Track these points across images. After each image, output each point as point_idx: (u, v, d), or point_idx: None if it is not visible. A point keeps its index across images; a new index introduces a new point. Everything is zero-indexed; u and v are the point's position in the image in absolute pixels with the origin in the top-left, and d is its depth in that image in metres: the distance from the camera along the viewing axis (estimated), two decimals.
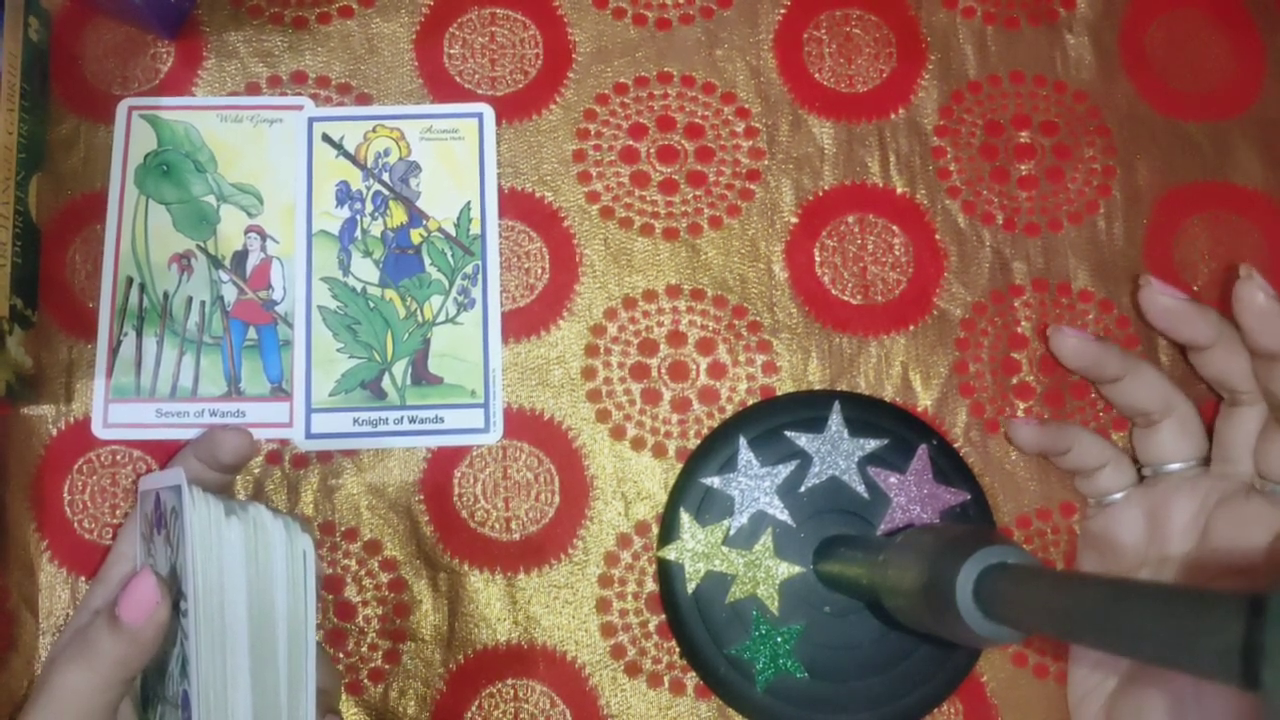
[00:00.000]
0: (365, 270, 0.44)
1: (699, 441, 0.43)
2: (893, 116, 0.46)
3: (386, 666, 0.41)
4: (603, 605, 0.42)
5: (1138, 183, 0.46)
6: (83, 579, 0.41)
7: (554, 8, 0.47)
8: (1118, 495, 0.41)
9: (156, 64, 0.45)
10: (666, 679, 0.41)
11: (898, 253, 0.45)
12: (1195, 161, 0.46)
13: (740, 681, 0.40)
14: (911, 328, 0.44)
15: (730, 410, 0.43)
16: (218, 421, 0.42)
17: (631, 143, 0.45)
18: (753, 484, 0.41)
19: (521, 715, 0.41)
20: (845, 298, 0.45)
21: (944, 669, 0.40)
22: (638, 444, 0.43)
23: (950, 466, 0.42)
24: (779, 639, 0.40)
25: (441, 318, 0.43)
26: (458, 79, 0.46)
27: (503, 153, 0.45)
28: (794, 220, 0.45)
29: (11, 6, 0.42)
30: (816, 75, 0.47)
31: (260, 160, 0.44)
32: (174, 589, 0.33)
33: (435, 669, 0.41)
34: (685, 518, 0.41)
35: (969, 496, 0.42)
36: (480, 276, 0.44)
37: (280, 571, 0.33)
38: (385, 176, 0.45)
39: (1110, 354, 0.41)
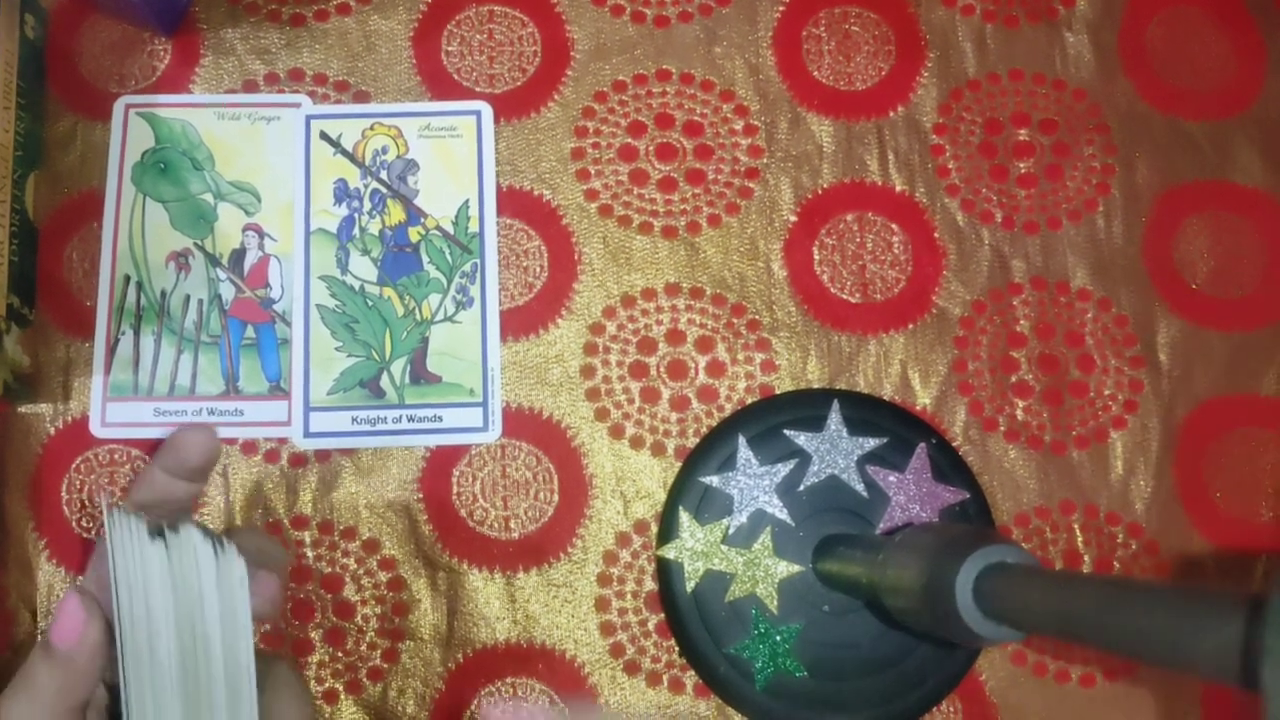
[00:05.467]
0: (363, 268, 0.43)
1: (698, 440, 0.43)
2: (892, 114, 0.46)
3: (385, 665, 0.41)
4: (601, 604, 0.42)
5: (1137, 181, 0.46)
6: (80, 577, 0.41)
7: (552, 5, 0.47)
8: None
9: (153, 61, 0.45)
10: (665, 678, 0.41)
11: (896, 251, 0.45)
12: (1195, 160, 0.46)
13: (739, 680, 0.40)
14: (910, 326, 0.44)
15: (729, 409, 0.43)
16: (216, 420, 0.42)
17: (630, 140, 0.45)
18: (752, 483, 0.41)
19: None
20: (844, 296, 0.44)
21: (943, 668, 0.40)
22: (636, 442, 0.43)
23: (949, 465, 0.42)
24: (778, 638, 0.40)
25: (440, 316, 0.43)
26: (456, 76, 0.46)
27: (501, 150, 0.45)
28: (793, 218, 0.45)
29: (8, 4, 0.42)
30: (815, 73, 0.46)
31: (258, 158, 0.44)
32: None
33: (434, 668, 0.41)
34: (684, 516, 0.41)
35: (968, 495, 0.42)
36: (479, 275, 0.44)
37: (212, 601, 0.30)
38: (383, 174, 0.44)
39: None
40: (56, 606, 0.31)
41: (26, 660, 0.31)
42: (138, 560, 0.29)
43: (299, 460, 0.42)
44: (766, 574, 0.40)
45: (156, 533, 0.30)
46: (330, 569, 0.41)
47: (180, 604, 0.30)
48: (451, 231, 0.44)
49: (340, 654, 0.41)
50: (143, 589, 0.29)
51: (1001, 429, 0.43)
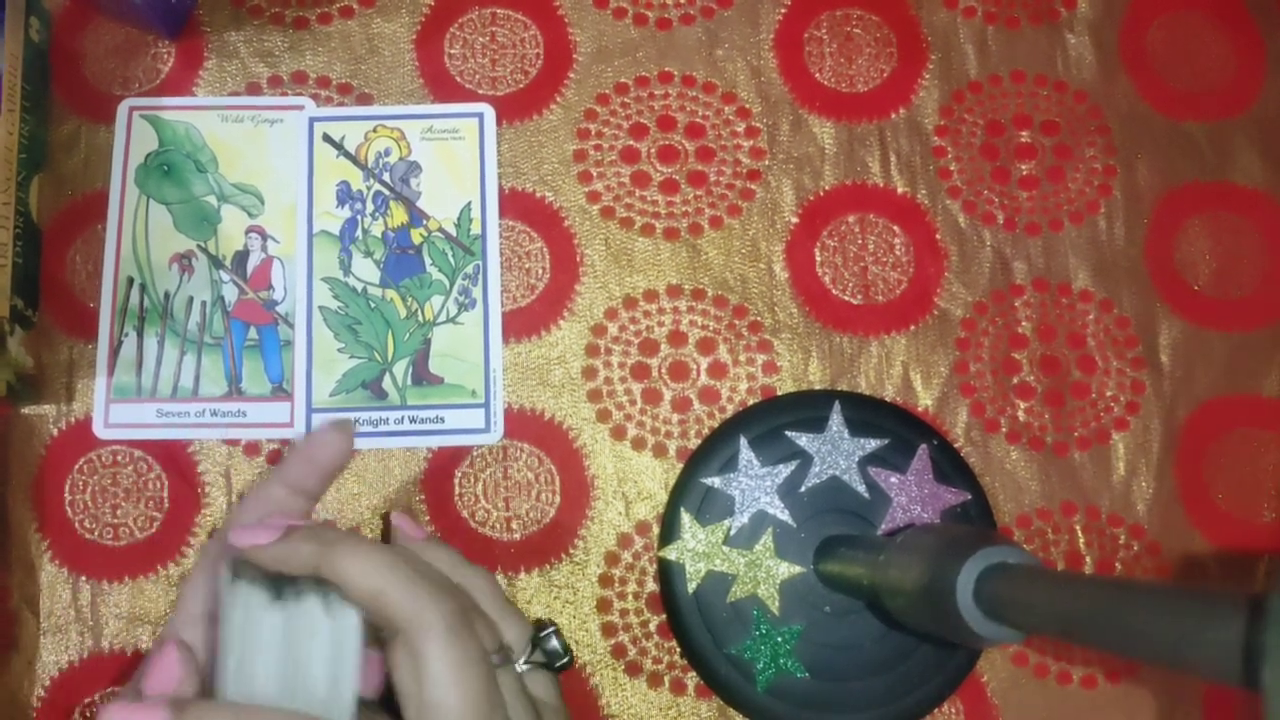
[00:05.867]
0: (366, 270, 0.44)
1: (699, 441, 0.43)
2: (893, 116, 0.46)
3: None
4: (603, 605, 0.42)
5: (1138, 182, 0.46)
6: (84, 579, 0.41)
7: (554, 7, 0.47)
8: None
9: (157, 64, 0.45)
10: (667, 679, 0.41)
11: (898, 252, 0.45)
12: (1196, 161, 0.46)
13: (741, 681, 0.40)
14: (912, 327, 0.44)
15: (731, 410, 0.43)
16: (219, 421, 0.42)
17: (632, 142, 0.45)
18: (753, 484, 0.41)
19: None
20: (846, 297, 0.45)
21: (944, 669, 0.40)
22: (638, 444, 0.43)
23: (951, 466, 0.42)
24: (779, 639, 0.40)
25: (442, 318, 0.43)
26: (458, 79, 0.46)
27: (503, 152, 0.45)
28: (794, 220, 0.45)
29: (13, 7, 0.42)
30: (817, 75, 0.47)
31: (261, 160, 0.44)
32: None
33: None
34: (686, 517, 0.41)
35: (969, 496, 0.42)
36: (481, 276, 0.44)
37: (321, 666, 0.30)
38: (386, 176, 0.45)
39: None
40: (153, 654, 0.31)
41: (119, 694, 0.31)
42: (253, 628, 0.29)
43: None
44: (768, 575, 0.40)
45: (275, 596, 0.30)
46: None
47: (288, 671, 0.29)
48: (454, 233, 0.44)
49: None
50: (253, 655, 0.29)
51: (1003, 430, 0.44)
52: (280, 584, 0.30)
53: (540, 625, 0.37)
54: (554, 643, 0.36)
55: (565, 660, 0.36)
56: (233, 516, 0.35)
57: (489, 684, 0.29)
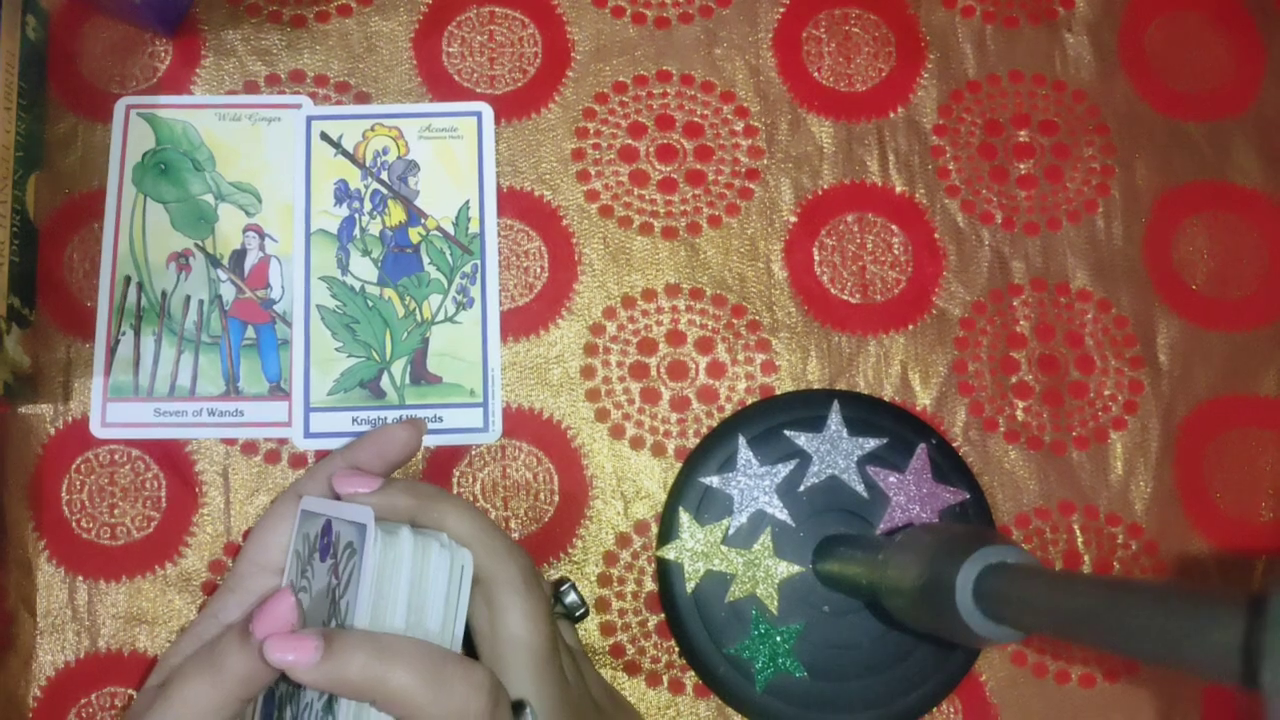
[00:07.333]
0: (364, 269, 0.44)
1: (698, 441, 0.43)
2: (892, 115, 0.46)
3: None
4: (602, 604, 0.42)
5: (1137, 182, 0.46)
6: (81, 579, 0.41)
7: (553, 6, 0.47)
8: None
9: (154, 62, 0.45)
10: (665, 678, 0.41)
11: (897, 252, 0.45)
12: (1194, 161, 0.46)
13: (739, 681, 0.40)
14: (910, 327, 0.44)
15: (729, 409, 0.43)
16: (216, 421, 0.42)
17: (630, 141, 0.45)
18: (752, 483, 0.41)
19: None
20: (844, 297, 0.45)
21: (943, 668, 0.40)
22: (637, 443, 0.43)
23: (949, 465, 0.42)
24: (778, 638, 0.40)
25: (440, 317, 0.43)
26: (456, 77, 0.46)
27: (501, 151, 0.45)
28: (793, 219, 0.45)
29: (9, 5, 0.42)
30: (815, 74, 0.47)
31: (258, 159, 0.44)
32: (327, 615, 0.32)
33: None
34: (684, 517, 0.41)
35: (968, 496, 0.42)
36: (479, 275, 0.44)
37: (438, 600, 0.32)
38: (384, 175, 0.44)
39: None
40: (267, 600, 0.31)
41: (216, 642, 0.31)
42: (389, 564, 0.31)
43: (299, 461, 0.42)
44: (766, 574, 0.40)
45: (411, 533, 0.32)
46: None
47: (412, 620, 0.31)
48: (452, 232, 0.44)
49: None
50: (387, 588, 0.31)
51: (1001, 429, 0.44)
52: (408, 534, 0.32)
53: (558, 582, 0.40)
54: (572, 596, 0.39)
55: (582, 611, 0.40)
56: (298, 483, 0.36)
57: (553, 628, 0.34)
